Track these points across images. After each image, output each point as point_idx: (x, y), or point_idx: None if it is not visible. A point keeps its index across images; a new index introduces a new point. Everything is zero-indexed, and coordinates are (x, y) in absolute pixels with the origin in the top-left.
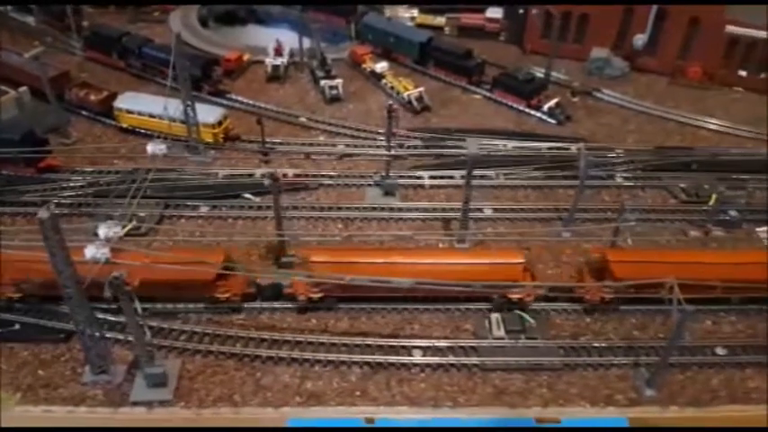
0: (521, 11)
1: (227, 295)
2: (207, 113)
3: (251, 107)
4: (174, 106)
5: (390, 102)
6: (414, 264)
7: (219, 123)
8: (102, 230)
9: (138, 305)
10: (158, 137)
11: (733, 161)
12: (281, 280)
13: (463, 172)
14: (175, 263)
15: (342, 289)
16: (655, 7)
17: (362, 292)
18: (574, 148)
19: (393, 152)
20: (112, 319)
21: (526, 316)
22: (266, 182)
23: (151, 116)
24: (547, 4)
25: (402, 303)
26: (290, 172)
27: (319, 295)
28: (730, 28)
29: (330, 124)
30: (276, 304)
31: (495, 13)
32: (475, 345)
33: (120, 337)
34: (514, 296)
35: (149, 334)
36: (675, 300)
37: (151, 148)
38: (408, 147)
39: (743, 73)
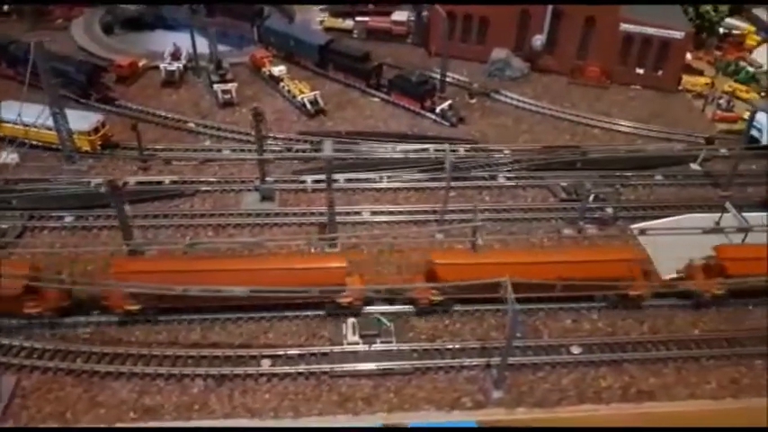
0: (424, 13)
1: (37, 310)
2: (82, 120)
3: (140, 113)
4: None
5: (255, 105)
6: (240, 271)
7: (96, 130)
8: None
9: None
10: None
11: (616, 159)
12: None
13: (349, 175)
14: None
15: (159, 300)
16: (550, 7)
17: (192, 302)
18: (461, 149)
19: (265, 156)
20: None
21: (383, 319)
22: (103, 189)
23: (25, 125)
24: (446, 3)
25: (256, 312)
26: (133, 180)
27: (136, 307)
28: (625, 26)
29: (219, 129)
30: (102, 318)
31: (400, 15)
32: (327, 351)
33: None
34: (343, 300)
35: None
36: (510, 299)
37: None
38: (297, 150)
39: (640, 71)
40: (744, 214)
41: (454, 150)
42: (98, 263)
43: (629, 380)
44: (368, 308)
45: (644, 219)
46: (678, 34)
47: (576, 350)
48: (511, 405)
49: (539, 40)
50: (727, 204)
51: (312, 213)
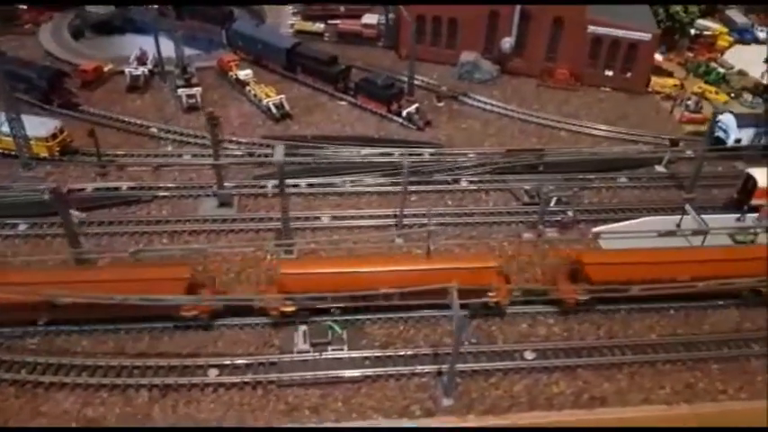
0: (391, 15)
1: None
2: (40, 126)
3: (102, 118)
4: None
5: (210, 110)
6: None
7: (54, 136)
8: None
9: None
10: None
11: (580, 161)
12: None
13: (311, 180)
14: None
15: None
16: (518, 9)
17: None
18: (426, 153)
19: (221, 161)
20: None
21: (336, 326)
22: (46, 196)
23: None
24: (414, 5)
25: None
26: (91, 186)
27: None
28: (592, 28)
29: (181, 134)
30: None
31: (371, 19)
32: (276, 360)
33: None
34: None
35: None
36: (455, 305)
37: None
38: (260, 155)
39: (609, 73)
40: (703, 216)
41: (419, 154)
42: None
43: (583, 385)
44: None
45: (605, 221)
46: (646, 36)
47: (529, 356)
48: (461, 412)
49: (507, 43)
50: (687, 207)
51: (270, 219)
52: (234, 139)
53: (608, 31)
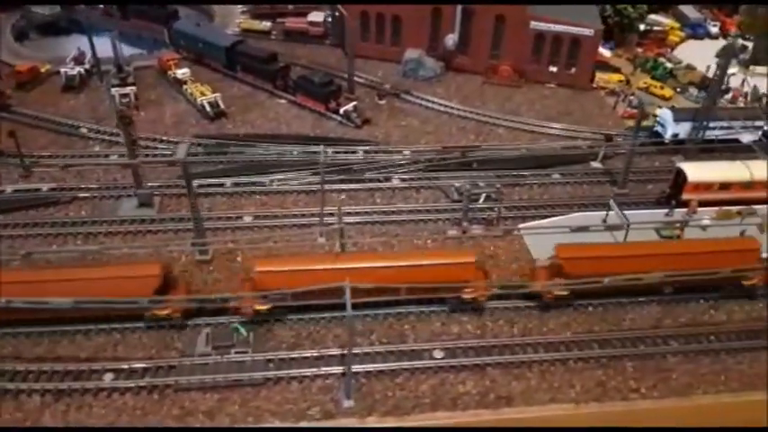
0: (336, 13)
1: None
2: None
3: (34, 119)
4: None
5: (121, 108)
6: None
7: None
8: None
9: None
10: None
11: (514, 158)
12: None
13: (236, 179)
14: None
15: None
16: (460, 6)
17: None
18: (360, 151)
19: (138, 160)
20: None
21: (242, 329)
22: None
23: None
24: (357, 4)
25: (107, 323)
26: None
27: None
28: (534, 24)
29: (111, 134)
30: None
31: (317, 16)
32: (175, 364)
33: None
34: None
35: None
36: (349, 305)
37: None
38: (189, 155)
39: (553, 69)
40: (629, 212)
41: (353, 152)
42: None
43: (490, 385)
44: None
45: (534, 218)
46: (588, 31)
47: (438, 354)
48: (362, 414)
49: (451, 40)
50: (611, 202)
51: (190, 219)
52: (164, 138)
53: (550, 27)
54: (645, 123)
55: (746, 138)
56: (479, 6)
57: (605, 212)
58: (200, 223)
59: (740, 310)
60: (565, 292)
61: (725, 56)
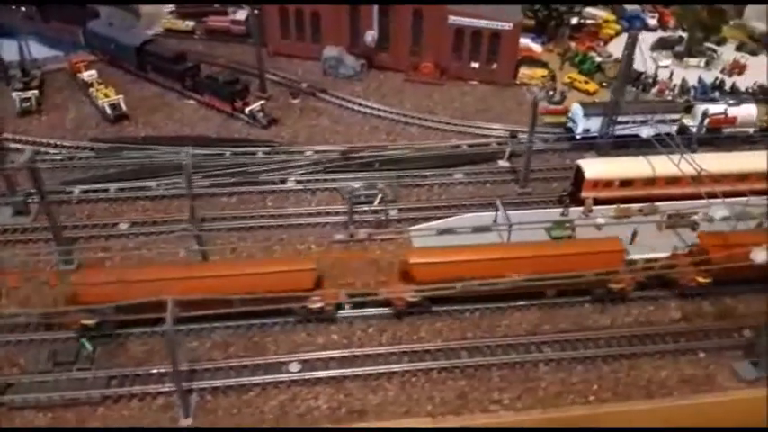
0: (255, 11)
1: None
2: None
3: None
4: None
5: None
6: None
7: None
8: None
9: None
10: None
11: (418, 158)
12: None
13: (121, 184)
14: None
15: None
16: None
17: None
18: (260, 152)
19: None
20: None
21: (87, 344)
22: None
23: None
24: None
25: None
26: None
27: None
28: (453, 18)
29: (6, 139)
30: None
31: (240, 15)
32: (15, 381)
33: None
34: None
35: None
36: (170, 318)
37: None
38: (80, 159)
39: (475, 65)
40: (520, 212)
41: (252, 154)
42: None
43: (344, 398)
44: None
45: (429, 219)
46: (507, 25)
47: (294, 368)
48: None
49: (370, 36)
50: (498, 202)
51: (65, 227)
52: (58, 143)
53: (469, 22)
54: (563, 120)
55: (645, 132)
56: (395, 2)
57: (494, 213)
58: (59, 231)
59: (627, 314)
60: (416, 299)
61: (629, 46)
